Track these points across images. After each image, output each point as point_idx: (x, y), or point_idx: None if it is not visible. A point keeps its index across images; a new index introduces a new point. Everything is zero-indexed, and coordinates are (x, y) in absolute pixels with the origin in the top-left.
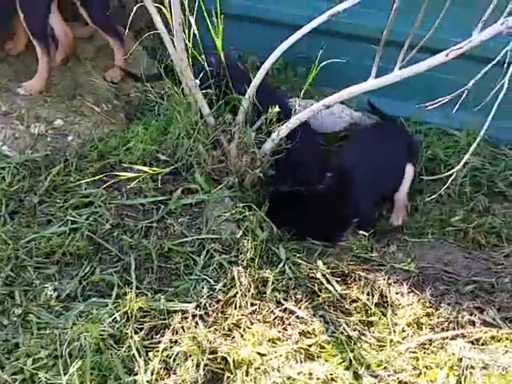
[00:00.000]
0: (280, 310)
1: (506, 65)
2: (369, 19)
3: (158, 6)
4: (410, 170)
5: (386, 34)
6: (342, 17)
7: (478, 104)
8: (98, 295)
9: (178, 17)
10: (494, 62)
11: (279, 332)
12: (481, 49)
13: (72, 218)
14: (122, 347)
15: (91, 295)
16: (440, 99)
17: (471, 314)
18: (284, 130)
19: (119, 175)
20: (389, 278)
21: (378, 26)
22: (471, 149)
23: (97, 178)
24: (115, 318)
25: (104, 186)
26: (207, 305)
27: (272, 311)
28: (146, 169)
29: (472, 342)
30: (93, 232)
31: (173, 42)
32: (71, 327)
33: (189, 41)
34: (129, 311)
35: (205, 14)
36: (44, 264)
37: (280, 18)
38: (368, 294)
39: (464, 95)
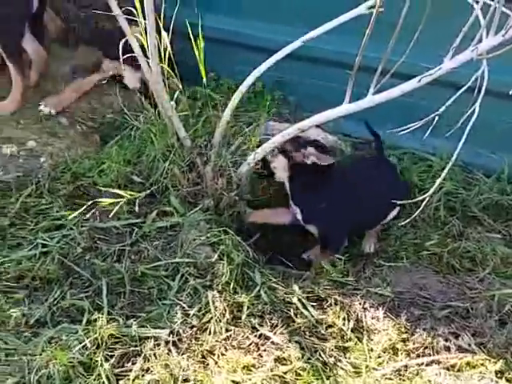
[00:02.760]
0: (255, 336)
1: (476, 90)
2: (344, 45)
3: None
4: (395, 211)
5: (358, 59)
6: (318, 42)
7: (450, 130)
8: (68, 321)
9: (154, 39)
10: (464, 89)
11: (254, 359)
12: (453, 74)
13: (43, 241)
14: (92, 375)
15: (61, 321)
16: (411, 125)
17: (446, 340)
18: (260, 153)
19: (98, 201)
20: (364, 303)
21: (352, 51)
22: (443, 173)
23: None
24: (85, 344)
25: (77, 208)
26: (181, 331)
27: (247, 337)
28: (122, 193)
29: (447, 368)
30: (64, 256)
31: (148, 64)
32: (40, 354)
33: (164, 63)
34: (99, 338)
35: (180, 35)
36: (13, 288)
37: (258, 42)
38: (344, 319)
39: (435, 120)
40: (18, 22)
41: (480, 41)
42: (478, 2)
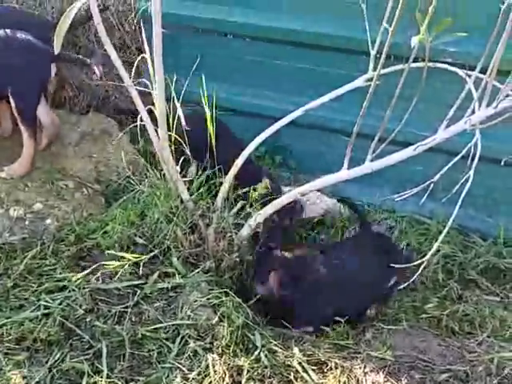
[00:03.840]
0: None
1: (470, 158)
2: (341, 113)
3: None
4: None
5: (356, 129)
6: (317, 110)
7: (446, 195)
8: None
9: (163, 107)
10: (458, 157)
11: None
12: (448, 142)
13: (45, 303)
14: None
15: None
16: (408, 191)
17: None
18: (261, 215)
19: (105, 264)
20: (365, 367)
21: (349, 118)
22: (441, 237)
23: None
24: None
25: (80, 269)
26: None
27: None
28: (128, 255)
29: None
30: (65, 317)
31: (156, 131)
32: None
33: (172, 131)
34: None
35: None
36: (14, 350)
37: (260, 111)
38: None
39: (432, 186)
40: (36, 89)
41: (473, 112)
42: (470, 76)
